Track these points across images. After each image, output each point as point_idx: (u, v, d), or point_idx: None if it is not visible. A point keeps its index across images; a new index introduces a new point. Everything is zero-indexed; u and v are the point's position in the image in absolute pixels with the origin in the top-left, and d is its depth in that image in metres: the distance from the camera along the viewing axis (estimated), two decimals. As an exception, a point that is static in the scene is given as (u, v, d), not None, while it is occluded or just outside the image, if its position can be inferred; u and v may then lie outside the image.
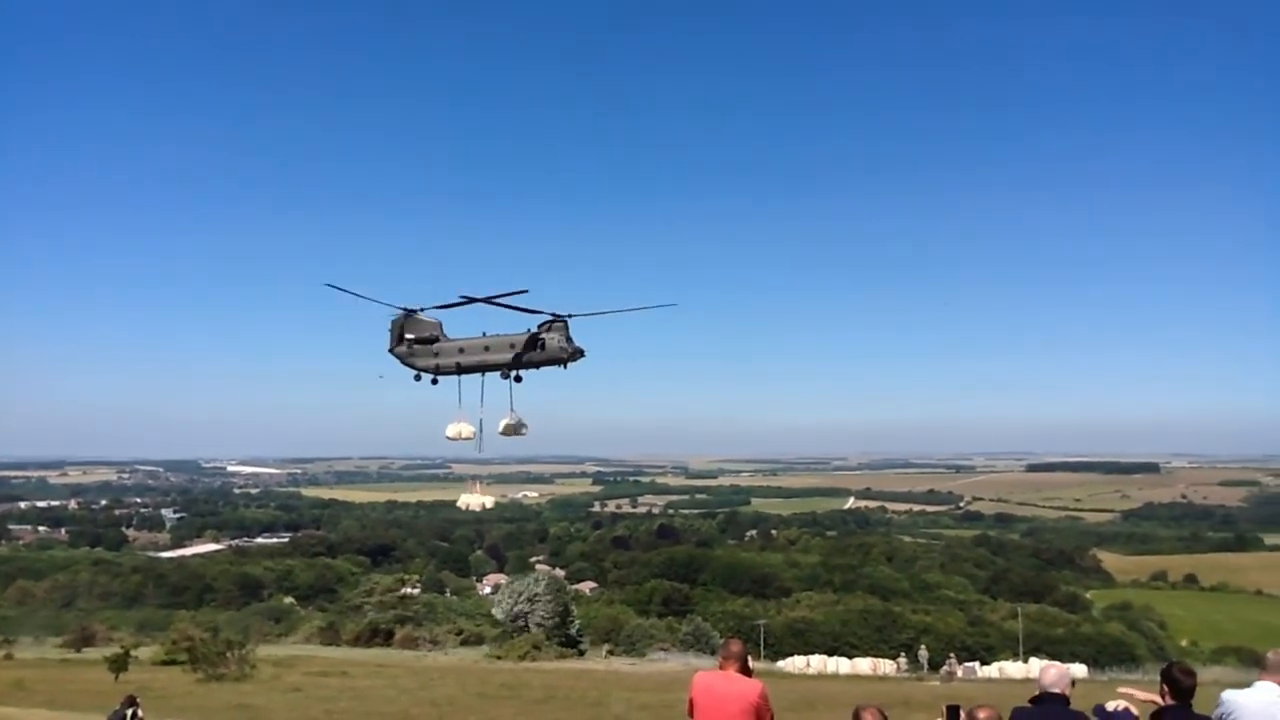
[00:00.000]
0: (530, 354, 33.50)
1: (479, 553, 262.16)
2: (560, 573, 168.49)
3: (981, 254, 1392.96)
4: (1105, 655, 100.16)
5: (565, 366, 33.60)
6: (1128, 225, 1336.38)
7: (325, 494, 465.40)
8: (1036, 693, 10.65)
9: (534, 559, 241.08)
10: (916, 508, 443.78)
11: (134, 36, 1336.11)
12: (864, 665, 77.32)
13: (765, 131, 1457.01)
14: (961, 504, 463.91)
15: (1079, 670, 60.43)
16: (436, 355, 34.77)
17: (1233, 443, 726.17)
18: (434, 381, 35.14)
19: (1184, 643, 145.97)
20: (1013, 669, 72.40)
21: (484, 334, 34.55)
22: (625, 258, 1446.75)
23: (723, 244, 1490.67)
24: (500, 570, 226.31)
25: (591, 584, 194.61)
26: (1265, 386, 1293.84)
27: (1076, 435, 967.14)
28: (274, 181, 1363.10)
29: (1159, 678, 10.55)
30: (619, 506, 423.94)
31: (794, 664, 78.29)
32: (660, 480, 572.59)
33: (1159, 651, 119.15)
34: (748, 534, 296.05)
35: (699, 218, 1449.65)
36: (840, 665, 77.43)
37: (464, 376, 34.91)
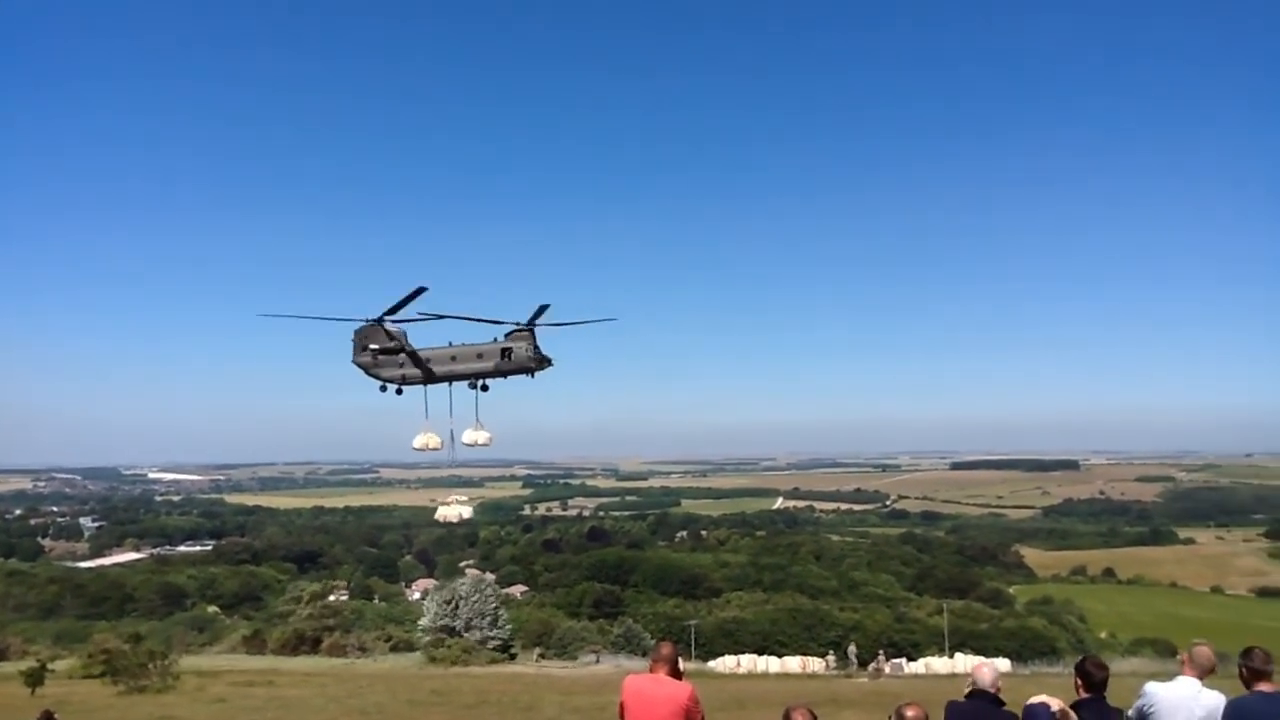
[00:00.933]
0: (498, 363, 33.54)
1: (408, 558, 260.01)
2: (490, 577, 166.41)
3: (904, 255, 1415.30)
4: (1028, 649, 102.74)
5: (533, 376, 33.68)
6: (1040, 225, 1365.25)
7: (250, 500, 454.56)
8: (969, 688, 10.98)
9: (464, 563, 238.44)
10: (844, 507, 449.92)
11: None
12: (793, 664, 77.98)
13: (698, 131, 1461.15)
14: (888, 502, 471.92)
15: (1003, 664, 61.82)
16: (401, 365, 34.49)
17: (1148, 439, 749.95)
18: (399, 392, 34.91)
19: (1103, 635, 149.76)
20: (938, 664, 73.77)
21: (450, 343, 34.44)
22: (556, 255, 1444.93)
23: (651, 247, 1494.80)
24: (430, 575, 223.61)
25: (522, 587, 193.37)
26: (1179, 383, 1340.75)
27: (999, 433, 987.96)
28: (200, 182, 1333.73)
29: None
30: (549, 509, 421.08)
31: (724, 664, 78.65)
32: (590, 483, 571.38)
33: (1079, 645, 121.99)
34: (678, 535, 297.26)
35: (628, 219, 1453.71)
36: (770, 664, 77.96)
37: (429, 386, 34.82)
